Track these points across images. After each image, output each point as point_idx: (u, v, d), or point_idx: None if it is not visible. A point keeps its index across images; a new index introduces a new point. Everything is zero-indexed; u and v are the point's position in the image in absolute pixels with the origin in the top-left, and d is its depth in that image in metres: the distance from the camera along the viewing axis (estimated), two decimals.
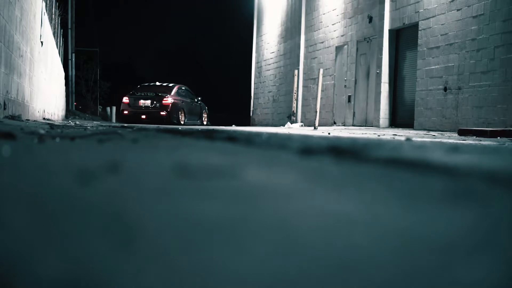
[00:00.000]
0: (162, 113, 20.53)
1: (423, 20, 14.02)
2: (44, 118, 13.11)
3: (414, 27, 14.56)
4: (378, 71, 16.12)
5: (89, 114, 32.43)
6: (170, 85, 22.23)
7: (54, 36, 18.31)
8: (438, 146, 3.88)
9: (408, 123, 14.73)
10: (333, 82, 18.94)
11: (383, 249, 0.78)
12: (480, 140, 6.46)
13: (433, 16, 13.61)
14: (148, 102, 20.85)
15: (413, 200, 1.22)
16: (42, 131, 4.35)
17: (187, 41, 55.64)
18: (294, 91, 16.61)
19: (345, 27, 18.18)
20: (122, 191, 1.24)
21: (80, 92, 36.70)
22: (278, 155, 2.54)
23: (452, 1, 12.94)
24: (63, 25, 26.83)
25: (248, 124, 25.98)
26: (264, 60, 25.77)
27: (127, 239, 0.79)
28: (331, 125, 18.54)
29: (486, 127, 10.52)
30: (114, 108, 31.81)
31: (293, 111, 17.17)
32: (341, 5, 18.43)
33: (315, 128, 13.68)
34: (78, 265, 0.66)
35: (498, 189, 1.44)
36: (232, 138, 4.07)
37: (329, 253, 0.75)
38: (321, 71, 14.20)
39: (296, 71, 17.00)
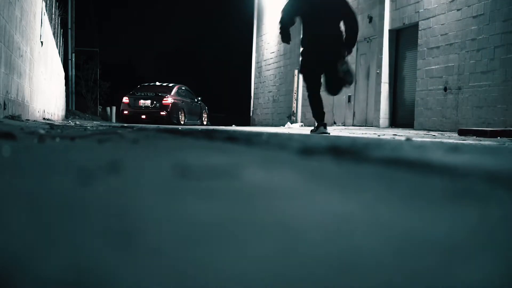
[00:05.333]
0: (162, 113, 20.54)
1: (423, 20, 14.02)
2: (44, 118, 13.11)
3: (414, 27, 14.56)
4: (378, 71, 16.12)
5: (89, 114, 32.42)
6: (170, 85, 22.24)
7: (54, 36, 18.31)
8: (438, 146, 3.88)
9: (408, 123, 14.73)
10: None
11: (383, 249, 0.78)
12: (480, 140, 6.46)
13: (433, 16, 13.61)
14: (148, 102, 20.86)
15: (413, 200, 1.22)
16: (42, 131, 4.35)
17: (187, 41, 55.62)
18: (294, 91, 16.61)
19: None
20: (122, 191, 1.24)
21: (80, 92, 36.67)
22: (278, 155, 2.54)
23: (452, 1, 12.93)
24: (63, 25, 26.82)
25: (248, 124, 25.98)
26: (264, 60, 25.76)
27: (127, 239, 0.79)
28: (331, 125, 18.54)
29: (486, 127, 10.52)
30: (114, 108, 31.80)
31: (293, 111, 17.18)
32: None
33: None
34: (78, 265, 0.66)
35: (498, 189, 1.44)
36: (232, 138, 4.07)
37: (330, 254, 0.75)
38: None
39: (296, 71, 17.01)
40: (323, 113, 7.93)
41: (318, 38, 7.74)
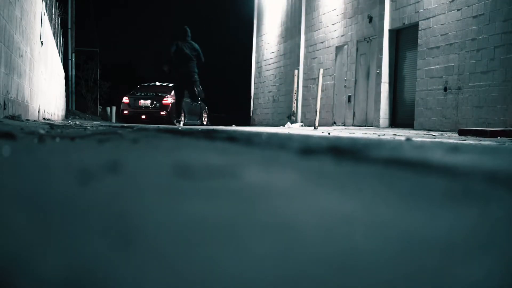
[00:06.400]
0: (162, 113, 20.53)
1: (423, 20, 14.02)
2: (44, 118, 13.11)
3: (414, 27, 14.56)
4: (378, 71, 16.11)
5: (89, 114, 32.40)
6: (170, 85, 22.20)
7: (54, 36, 18.30)
8: (438, 146, 3.88)
9: (408, 123, 14.73)
10: (333, 82, 18.94)
11: (383, 249, 0.78)
12: (480, 140, 6.46)
13: (433, 16, 13.61)
14: (148, 102, 20.84)
15: (413, 200, 1.22)
16: (42, 131, 4.35)
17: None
18: (294, 91, 16.60)
19: (345, 27, 18.18)
20: (122, 191, 1.24)
21: (80, 92, 36.65)
22: (278, 155, 2.53)
23: (452, 1, 12.93)
24: (63, 25, 26.82)
25: (248, 124, 25.97)
26: (264, 60, 25.76)
27: (127, 239, 0.79)
28: (331, 125, 18.53)
29: (486, 127, 10.52)
30: (114, 108, 31.78)
31: (293, 111, 17.16)
32: (341, 5, 18.43)
33: (315, 128, 13.68)
34: (78, 266, 0.66)
35: (498, 189, 1.44)
36: (232, 138, 4.07)
37: (329, 254, 0.75)
38: (321, 71, 14.20)
39: (296, 71, 16.99)
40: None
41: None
